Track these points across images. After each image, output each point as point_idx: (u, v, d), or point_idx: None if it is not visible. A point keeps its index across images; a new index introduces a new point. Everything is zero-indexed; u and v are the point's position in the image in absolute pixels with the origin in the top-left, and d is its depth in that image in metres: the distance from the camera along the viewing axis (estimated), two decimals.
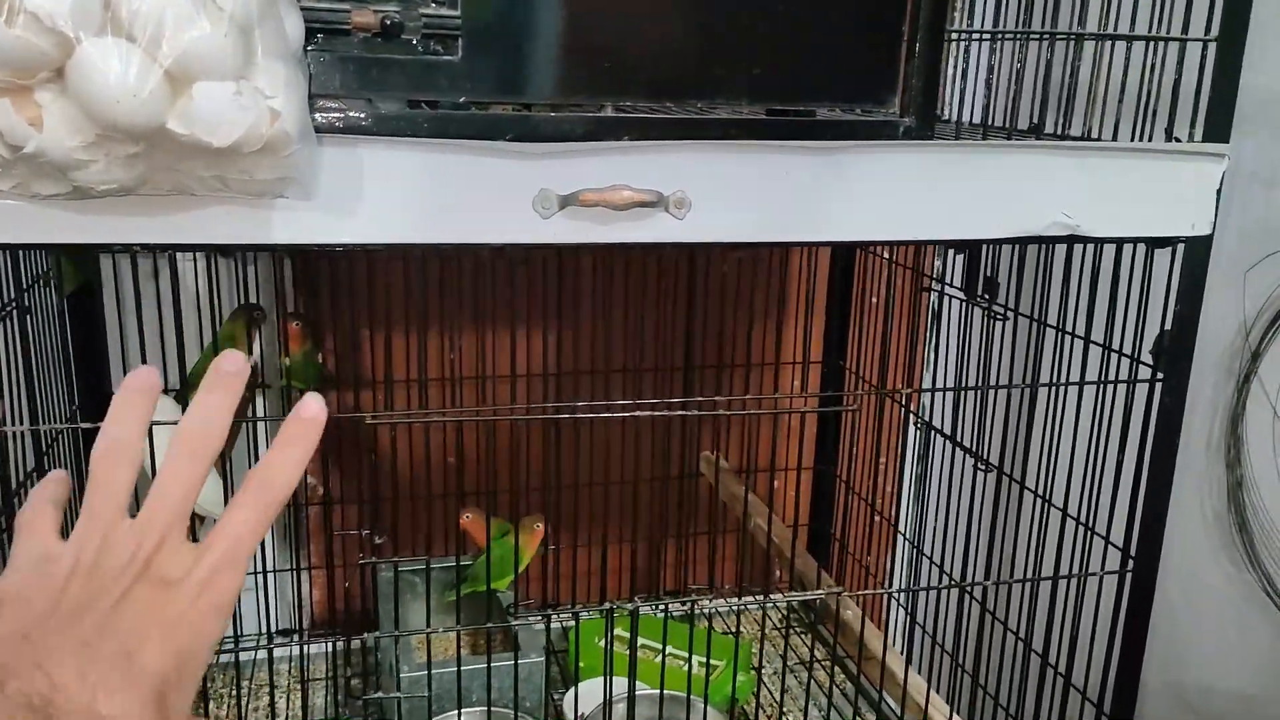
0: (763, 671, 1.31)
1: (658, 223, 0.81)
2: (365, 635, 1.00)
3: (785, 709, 1.25)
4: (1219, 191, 0.92)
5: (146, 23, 0.56)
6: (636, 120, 0.81)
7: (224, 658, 1.09)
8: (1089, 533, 1.07)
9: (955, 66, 1.09)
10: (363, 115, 0.74)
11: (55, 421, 1.04)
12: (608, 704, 0.99)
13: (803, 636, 1.43)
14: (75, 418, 1.17)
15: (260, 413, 1.25)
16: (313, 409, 0.46)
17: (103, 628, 0.39)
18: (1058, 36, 1.00)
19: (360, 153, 0.74)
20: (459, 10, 0.74)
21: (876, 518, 1.42)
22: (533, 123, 0.78)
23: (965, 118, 1.09)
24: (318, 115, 0.72)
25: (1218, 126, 0.91)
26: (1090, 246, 0.99)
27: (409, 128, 0.75)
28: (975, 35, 1.09)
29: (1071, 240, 0.92)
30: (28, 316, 1.06)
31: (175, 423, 0.86)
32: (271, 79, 0.61)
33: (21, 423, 0.91)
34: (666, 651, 1.21)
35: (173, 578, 0.41)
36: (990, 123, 1.07)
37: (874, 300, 1.46)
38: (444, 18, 0.74)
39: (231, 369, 0.46)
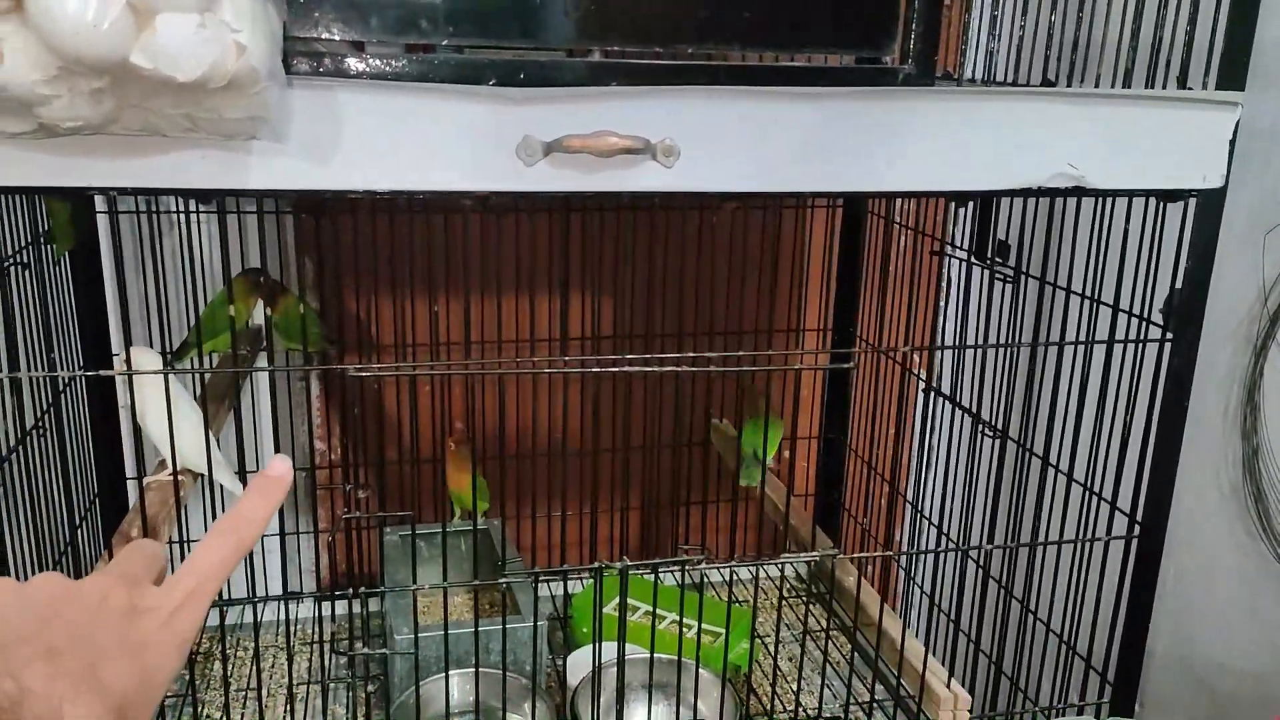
0: (764, 638, 1.30)
1: (645, 171, 0.79)
2: (351, 593, 0.99)
3: (786, 674, 1.24)
4: (1232, 142, 0.88)
5: None
6: (624, 65, 0.78)
7: (212, 620, 1.09)
8: (1095, 498, 1.05)
9: (960, 20, 1.05)
10: (341, 57, 0.72)
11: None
12: (596, 670, 0.98)
13: (806, 602, 1.41)
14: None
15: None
16: (278, 470, 0.50)
17: (73, 638, 0.42)
18: None
19: (338, 96, 0.72)
20: None
21: (884, 484, 1.39)
22: (516, 67, 0.76)
23: (971, 74, 1.05)
24: (295, 59, 0.71)
25: (1232, 74, 0.87)
26: (1098, 201, 0.95)
27: (389, 71, 0.73)
28: None
29: (1078, 193, 0.89)
30: (26, 271, 1.06)
31: (158, 372, 0.85)
32: (237, 11, 0.59)
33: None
34: (670, 617, 1.20)
35: (143, 607, 0.45)
36: (996, 78, 1.04)
37: (889, 267, 1.43)
38: None
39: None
